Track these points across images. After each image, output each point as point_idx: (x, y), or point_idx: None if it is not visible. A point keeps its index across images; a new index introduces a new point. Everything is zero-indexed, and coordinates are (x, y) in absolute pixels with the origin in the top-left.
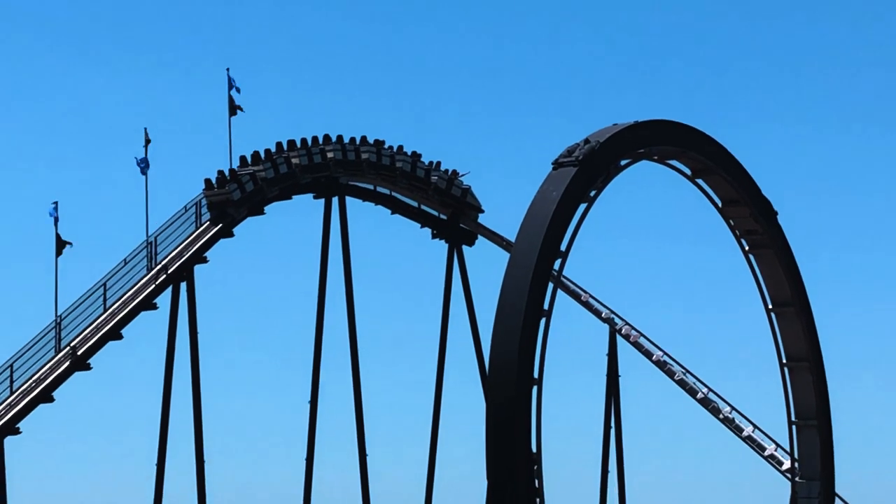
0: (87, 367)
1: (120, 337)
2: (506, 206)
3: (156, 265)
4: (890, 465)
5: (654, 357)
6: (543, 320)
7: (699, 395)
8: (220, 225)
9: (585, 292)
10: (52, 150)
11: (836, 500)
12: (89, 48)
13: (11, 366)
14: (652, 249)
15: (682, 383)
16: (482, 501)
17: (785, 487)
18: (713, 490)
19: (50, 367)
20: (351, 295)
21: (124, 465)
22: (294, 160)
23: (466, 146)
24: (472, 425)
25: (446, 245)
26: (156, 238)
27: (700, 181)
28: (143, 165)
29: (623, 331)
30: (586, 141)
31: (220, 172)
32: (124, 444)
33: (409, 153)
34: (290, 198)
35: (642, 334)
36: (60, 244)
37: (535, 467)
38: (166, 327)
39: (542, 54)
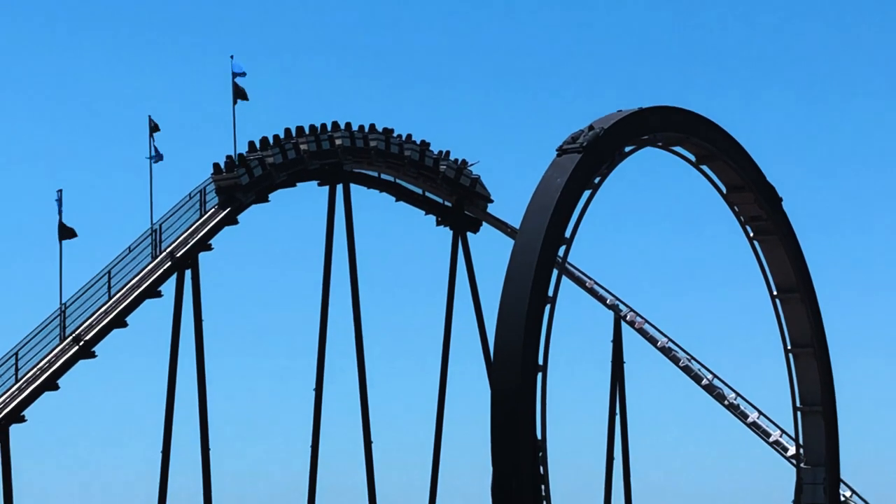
0: (92, 355)
1: (125, 325)
2: (510, 194)
3: (160, 252)
4: (895, 451)
5: (658, 343)
6: (548, 307)
7: (704, 382)
8: (229, 209)
9: (590, 279)
10: (56, 138)
11: (842, 485)
12: (93, 35)
13: (16, 354)
14: (656, 236)
15: (686, 370)
16: (487, 489)
17: (790, 473)
18: (718, 476)
19: (55, 355)
20: (355, 282)
21: (129, 453)
22: (302, 146)
23: (472, 134)
24: (477, 412)
25: (451, 232)
26: (160, 226)
27: (704, 167)
28: (154, 156)
29: (628, 317)
30: (590, 127)
31: (229, 157)
32: (129, 431)
33: (418, 142)
34: (295, 185)
35: (647, 321)
36: (64, 232)
37: (540, 454)
38: (171, 315)
39: (548, 40)
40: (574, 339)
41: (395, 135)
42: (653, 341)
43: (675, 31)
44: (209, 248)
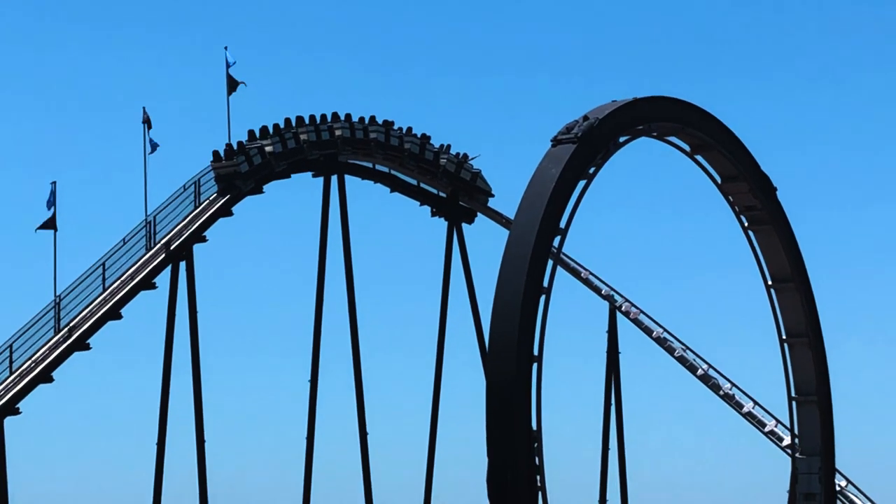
0: (87, 348)
1: (119, 317)
2: (508, 185)
3: (155, 244)
4: (890, 441)
5: (654, 334)
6: (543, 297)
7: (699, 372)
8: (228, 196)
9: (585, 269)
10: (51, 130)
11: (837, 475)
12: (87, 26)
13: (11, 346)
14: (651, 226)
15: (682, 360)
16: (483, 479)
17: (785, 463)
18: (714, 466)
19: (49, 348)
20: (350, 273)
21: (124, 445)
22: (302, 136)
23: (472, 127)
24: (473, 403)
25: (446, 223)
26: (155, 217)
27: (699, 157)
28: (150, 148)
29: (623, 307)
30: (585, 118)
31: (228, 145)
32: (124, 423)
33: (419, 135)
34: (290, 176)
35: (642, 311)
36: (47, 223)
37: (536, 445)
38: (165, 307)
39: (548, 30)
40: (569, 329)
41: (395, 127)
42: (648, 332)
43: (671, 21)
44: (204, 239)
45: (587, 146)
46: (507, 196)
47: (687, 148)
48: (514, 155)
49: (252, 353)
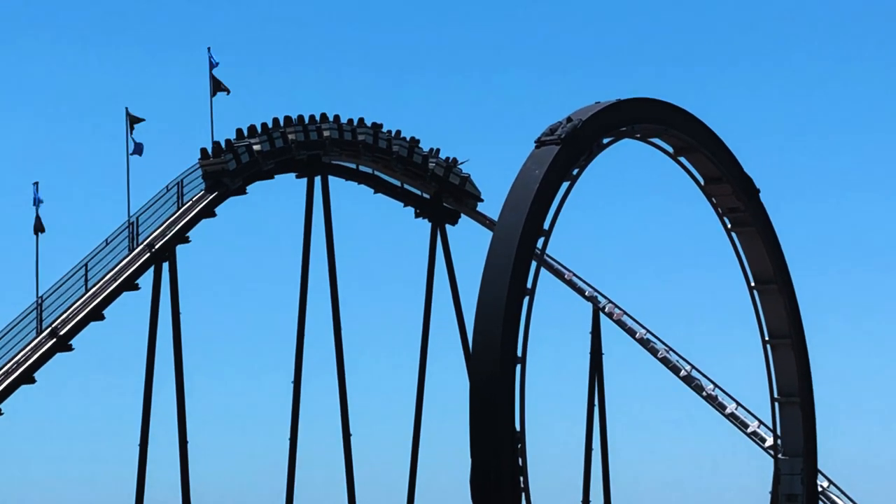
0: (69, 349)
1: (102, 318)
2: (489, 186)
3: (138, 245)
4: (872, 441)
5: (637, 335)
6: (527, 298)
7: (682, 373)
8: (211, 197)
9: (569, 270)
10: (33, 131)
11: (819, 476)
12: (70, 27)
13: None
14: (635, 227)
15: (665, 361)
16: (466, 480)
17: (768, 464)
18: (696, 467)
19: (31, 349)
20: (334, 275)
21: (107, 446)
22: (290, 136)
23: (450, 125)
24: (456, 404)
25: (430, 224)
26: (137, 218)
27: (682, 159)
28: (133, 148)
29: (606, 309)
30: (569, 119)
31: (216, 143)
32: (107, 425)
33: (408, 139)
34: (273, 177)
35: (625, 312)
36: (39, 225)
37: (519, 445)
38: (148, 308)
39: (530, 31)
40: (553, 330)
41: (384, 130)
42: (631, 333)
43: (655, 23)
44: (187, 240)
45: (571, 148)
46: (491, 197)
47: (670, 150)
48: (497, 156)
49: (235, 355)
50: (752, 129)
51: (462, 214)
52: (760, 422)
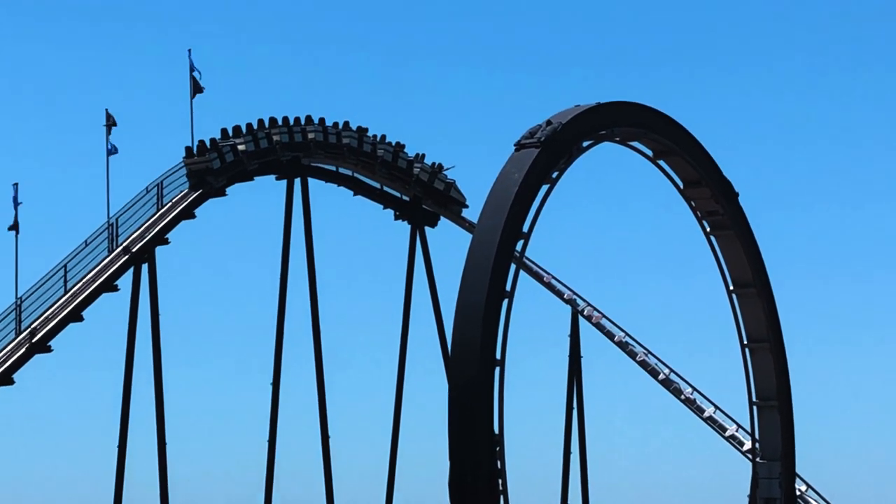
0: (48, 350)
1: (81, 319)
2: (468, 189)
3: (117, 246)
4: (849, 446)
5: (616, 338)
6: (506, 301)
7: (661, 376)
8: (196, 194)
9: (548, 273)
10: (13, 132)
11: (797, 480)
12: (49, 28)
13: None
14: (614, 230)
15: (643, 364)
16: (444, 483)
17: (746, 468)
18: (675, 471)
19: (10, 350)
20: (313, 277)
21: (85, 447)
22: (275, 137)
23: (429, 126)
24: (435, 406)
25: (409, 226)
26: (117, 219)
27: (662, 162)
28: (111, 150)
29: (585, 312)
30: (548, 122)
31: (201, 141)
32: (85, 426)
33: (394, 143)
34: (253, 178)
35: (604, 315)
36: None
37: (498, 448)
38: (127, 309)
39: (508, 34)
40: (532, 333)
41: (369, 134)
42: (610, 336)
43: (634, 26)
44: (166, 242)
45: (550, 151)
46: (475, 202)
47: (650, 153)
48: (479, 160)
49: (214, 356)
50: (731, 133)
51: (441, 217)
52: (739, 425)
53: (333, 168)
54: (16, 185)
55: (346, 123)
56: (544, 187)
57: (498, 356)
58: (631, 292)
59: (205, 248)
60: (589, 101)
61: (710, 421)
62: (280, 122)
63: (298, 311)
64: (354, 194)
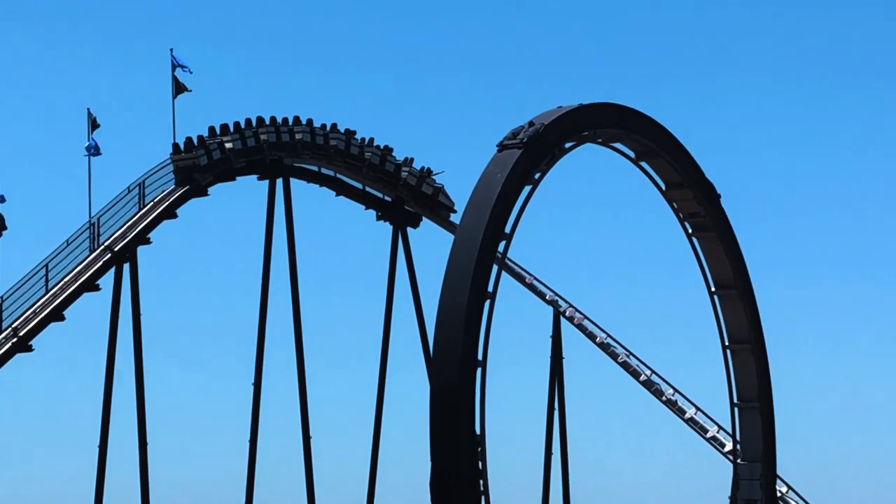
0: (29, 349)
1: (62, 318)
2: (454, 192)
3: (98, 246)
4: (830, 447)
5: (597, 339)
6: (488, 302)
7: (642, 377)
8: (178, 194)
9: (530, 274)
10: None
11: (778, 481)
12: (31, 28)
13: None
14: (596, 232)
15: (625, 365)
16: (426, 483)
17: (727, 469)
18: (656, 471)
19: None
20: (295, 277)
21: (66, 447)
22: (262, 136)
23: (411, 129)
24: (416, 407)
25: (391, 227)
26: (98, 219)
27: (644, 164)
28: (92, 150)
29: (567, 313)
30: (531, 123)
31: (188, 139)
32: (66, 425)
33: (382, 147)
34: (234, 178)
35: (586, 317)
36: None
37: (479, 449)
38: (109, 309)
39: (491, 34)
40: (513, 334)
41: (356, 137)
42: (592, 337)
43: (616, 28)
44: (148, 241)
45: (533, 152)
46: (458, 204)
47: (632, 154)
48: (460, 160)
49: (195, 356)
50: (713, 135)
51: (423, 217)
52: (720, 427)
53: (315, 168)
54: None
55: (334, 125)
56: (527, 188)
57: (480, 357)
58: (613, 294)
59: (187, 248)
60: (572, 103)
61: (692, 422)
62: (268, 122)
63: (280, 311)
64: (337, 195)
